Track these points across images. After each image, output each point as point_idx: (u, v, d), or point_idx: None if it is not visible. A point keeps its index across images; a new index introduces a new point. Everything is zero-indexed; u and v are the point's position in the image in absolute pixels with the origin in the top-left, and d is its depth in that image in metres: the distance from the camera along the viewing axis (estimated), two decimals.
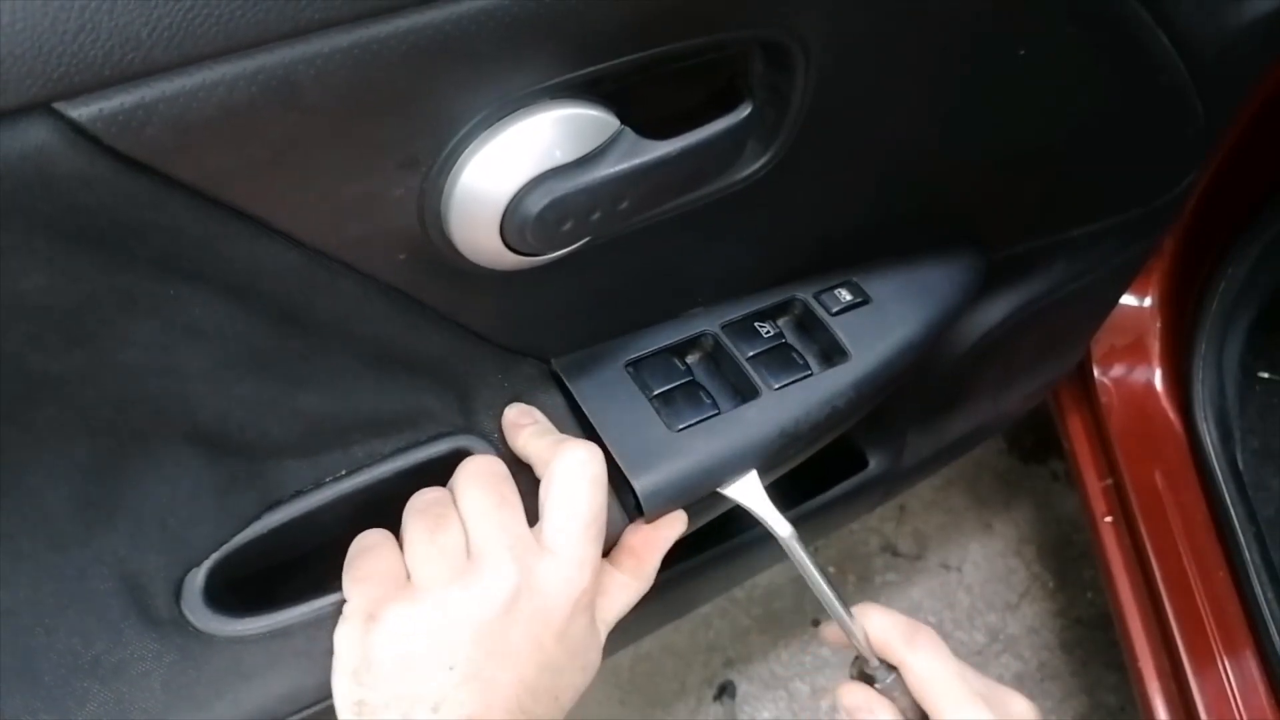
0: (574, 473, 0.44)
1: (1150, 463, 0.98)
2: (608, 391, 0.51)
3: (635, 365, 0.52)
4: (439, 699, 0.39)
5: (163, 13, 0.27)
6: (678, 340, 0.53)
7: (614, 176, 0.38)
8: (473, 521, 0.42)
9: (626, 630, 0.49)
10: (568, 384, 0.50)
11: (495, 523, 0.42)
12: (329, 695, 0.42)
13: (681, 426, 0.50)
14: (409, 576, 0.42)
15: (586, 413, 0.50)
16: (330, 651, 0.42)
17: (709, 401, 0.51)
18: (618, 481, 0.49)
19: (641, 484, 0.48)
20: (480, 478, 0.44)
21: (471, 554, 0.42)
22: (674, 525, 0.51)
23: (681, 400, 0.51)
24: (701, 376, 0.53)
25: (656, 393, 0.51)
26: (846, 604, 0.50)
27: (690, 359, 0.54)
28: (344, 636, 0.42)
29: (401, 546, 0.43)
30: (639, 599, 0.49)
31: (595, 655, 0.46)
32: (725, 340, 0.53)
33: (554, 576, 0.42)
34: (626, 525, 0.50)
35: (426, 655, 0.40)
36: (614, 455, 0.48)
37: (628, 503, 0.49)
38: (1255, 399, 1.03)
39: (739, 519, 0.52)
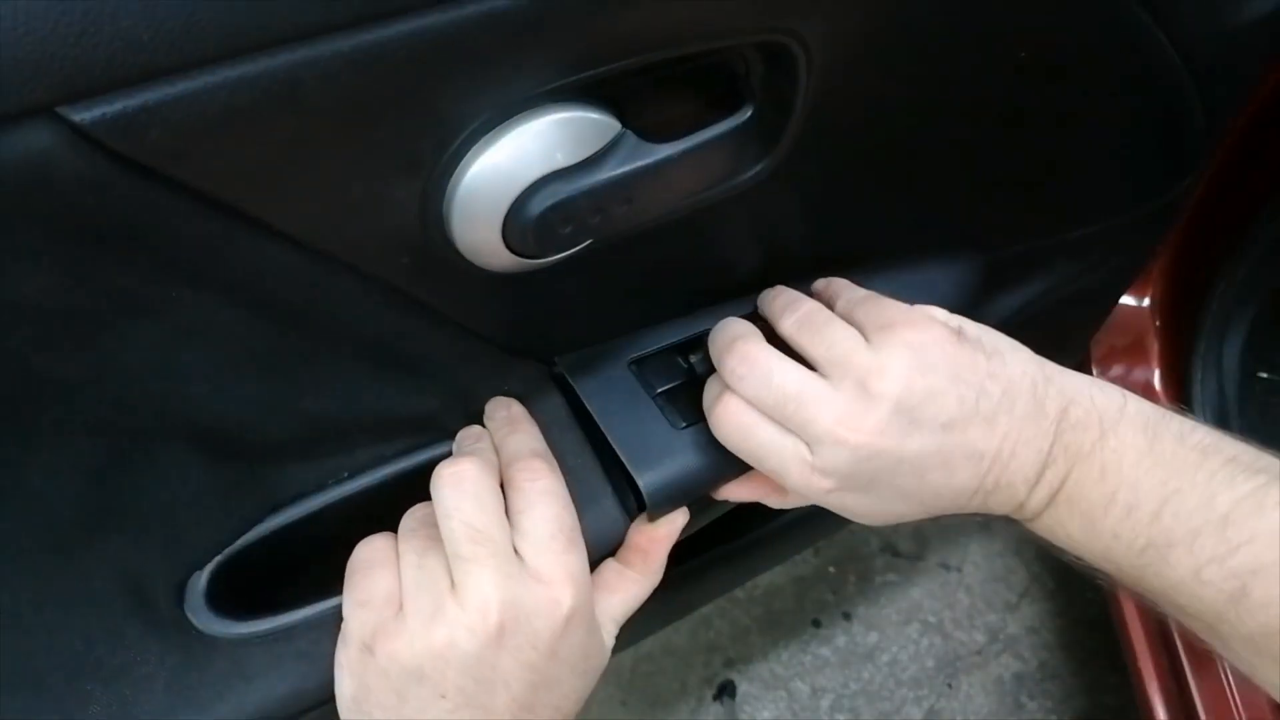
0: (534, 492, 0.43)
1: None
2: (611, 389, 0.51)
3: (639, 364, 0.52)
4: None
5: (165, 16, 0.27)
6: (681, 339, 0.53)
7: (615, 179, 0.38)
8: (458, 548, 0.41)
9: (627, 631, 0.49)
10: (571, 382, 0.50)
11: (485, 552, 0.41)
12: (331, 697, 0.42)
13: (685, 424, 0.50)
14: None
15: (590, 410, 0.50)
16: (331, 654, 0.42)
17: None
18: (619, 480, 0.49)
19: (646, 481, 0.48)
20: (469, 492, 0.42)
21: (455, 585, 0.41)
22: (676, 519, 0.51)
23: (685, 398, 0.51)
24: (705, 375, 0.53)
25: (660, 391, 0.51)
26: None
27: (693, 358, 0.54)
28: (345, 662, 0.42)
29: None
30: (649, 594, 0.49)
31: (598, 660, 0.45)
32: None
33: (540, 600, 0.41)
34: (629, 524, 0.50)
35: (419, 687, 0.40)
36: (619, 452, 0.48)
37: (629, 502, 0.49)
38: (1255, 399, 1.03)
39: (740, 519, 0.52)
